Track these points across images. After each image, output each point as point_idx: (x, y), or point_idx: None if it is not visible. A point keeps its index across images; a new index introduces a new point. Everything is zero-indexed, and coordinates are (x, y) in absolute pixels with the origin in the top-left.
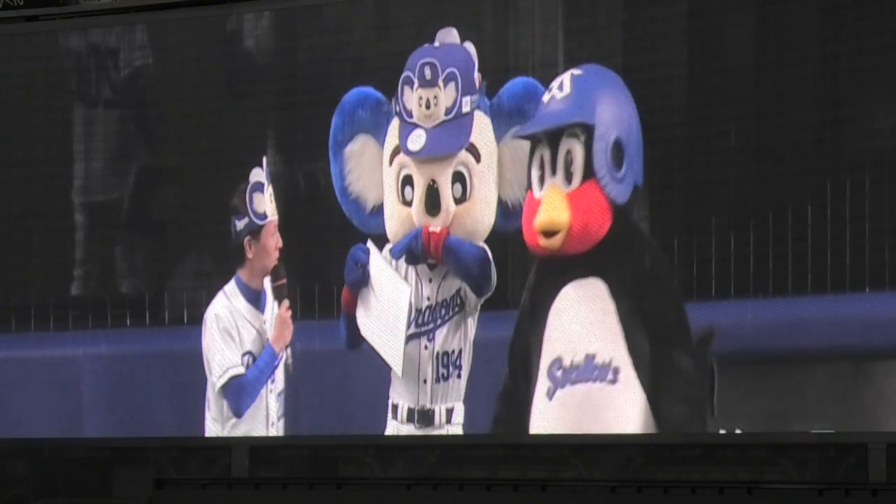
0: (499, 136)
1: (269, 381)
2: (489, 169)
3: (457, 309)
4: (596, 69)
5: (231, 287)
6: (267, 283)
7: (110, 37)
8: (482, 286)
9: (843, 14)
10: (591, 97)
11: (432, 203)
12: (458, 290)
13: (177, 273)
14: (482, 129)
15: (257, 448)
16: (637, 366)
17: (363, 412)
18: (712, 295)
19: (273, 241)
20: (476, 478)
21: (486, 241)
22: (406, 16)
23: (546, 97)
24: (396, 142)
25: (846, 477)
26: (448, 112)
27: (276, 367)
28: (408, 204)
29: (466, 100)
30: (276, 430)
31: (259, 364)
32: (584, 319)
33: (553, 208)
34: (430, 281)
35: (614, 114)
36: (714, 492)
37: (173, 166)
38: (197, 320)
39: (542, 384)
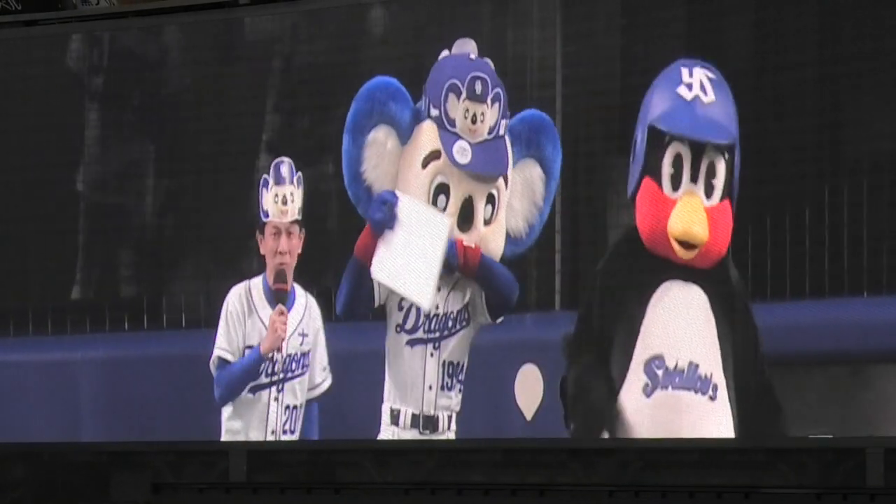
0: (514, 164)
1: (276, 390)
2: (510, 195)
3: (464, 324)
4: (719, 76)
5: (258, 278)
6: (296, 286)
7: (111, 40)
8: (502, 309)
9: (842, 18)
10: (730, 113)
11: (465, 218)
12: (467, 305)
13: (175, 276)
14: (509, 156)
15: (255, 453)
16: (729, 386)
17: (354, 417)
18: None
19: (274, 242)
20: (474, 482)
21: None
22: (410, 20)
23: (686, 93)
24: (435, 147)
25: (844, 481)
26: (490, 132)
27: (259, 371)
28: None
29: (504, 122)
30: (277, 439)
31: (243, 361)
32: (687, 322)
33: (695, 220)
34: (440, 289)
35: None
36: (712, 496)
37: (173, 169)
38: (195, 324)
39: (636, 379)
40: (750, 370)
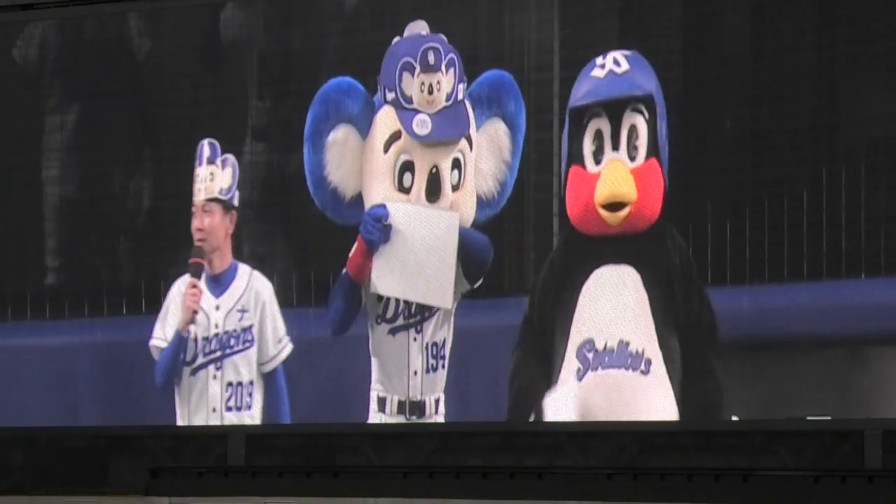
0: (477, 127)
1: (214, 368)
2: (476, 158)
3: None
4: (638, 54)
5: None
6: (240, 264)
7: (83, 27)
8: (478, 274)
9: (838, 2)
10: (649, 76)
11: (433, 189)
12: None
13: (173, 262)
14: (471, 118)
15: (253, 436)
16: (667, 360)
17: (345, 404)
18: (708, 282)
19: (196, 221)
20: (472, 466)
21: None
22: (375, 7)
23: (598, 72)
24: (394, 128)
25: (842, 464)
26: (448, 98)
27: (181, 347)
28: (406, 191)
29: (461, 87)
30: (220, 418)
31: (170, 343)
32: (617, 305)
33: (619, 182)
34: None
35: (663, 99)
36: (710, 479)
37: (156, 156)
38: None
39: (569, 364)
40: (693, 341)
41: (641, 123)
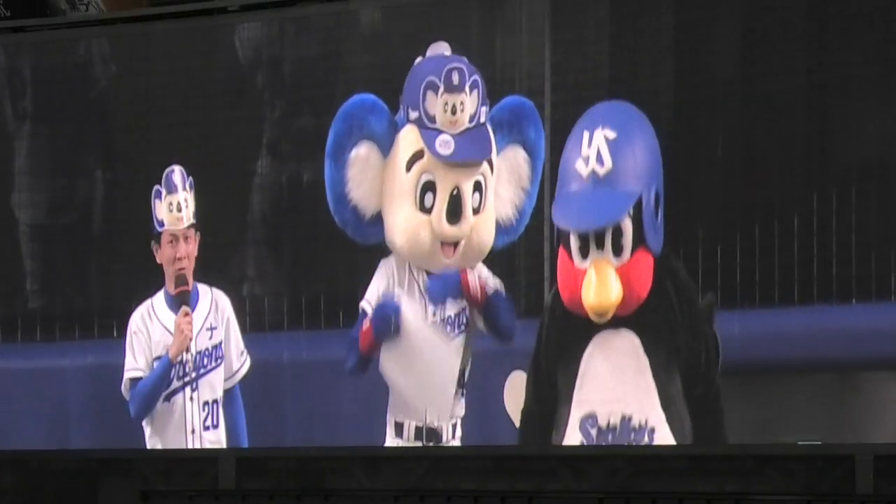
0: (498, 152)
1: (190, 390)
2: (496, 183)
3: (462, 328)
4: (624, 118)
5: (159, 292)
6: (198, 284)
7: (60, 51)
8: (499, 333)
9: (830, 25)
10: (634, 166)
11: (453, 210)
12: (464, 308)
13: (159, 284)
14: (492, 141)
15: (244, 460)
16: (671, 420)
17: (355, 427)
18: (699, 304)
19: (172, 249)
20: (464, 489)
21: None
22: (395, 27)
23: (581, 167)
24: (417, 147)
25: (833, 488)
26: (471, 119)
27: (171, 376)
28: (426, 211)
29: (484, 109)
30: (199, 439)
31: (154, 372)
32: (617, 373)
33: (604, 290)
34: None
35: (652, 167)
36: (701, 503)
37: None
38: None
39: (573, 434)
40: (695, 377)
41: (627, 223)
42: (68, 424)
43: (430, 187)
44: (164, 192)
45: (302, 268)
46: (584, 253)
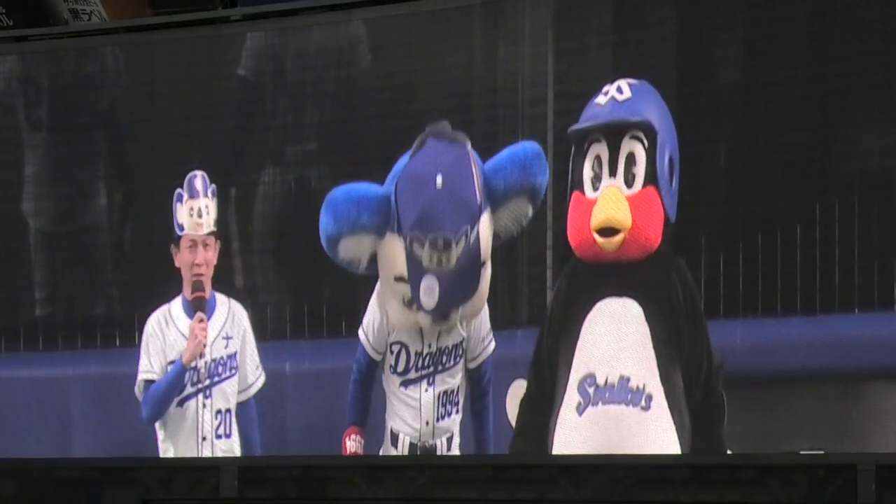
0: (495, 212)
1: (203, 396)
2: (496, 225)
3: (458, 358)
4: (646, 84)
5: (177, 297)
6: (216, 293)
7: (49, 60)
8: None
9: (832, 35)
10: (651, 104)
11: (442, 315)
12: (461, 342)
13: (165, 293)
14: (485, 233)
15: (246, 468)
16: (668, 396)
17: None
18: (702, 314)
19: (191, 255)
20: (465, 498)
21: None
22: (396, 36)
23: (601, 99)
24: (403, 273)
25: (835, 498)
26: (460, 260)
27: (184, 381)
28: (414, 311)
29: (474, 232)
30: (211, 447)
31: (168, 376)
32: (618, 338)
33: (613, 207)
34: (433, 331)
35: (669, 127)
36: None
37: (148, 188)
38: None
39: (571, 397)
40: (696, 380)
41: (640, 151)
42: (70, 433)
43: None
44: (185, 195)
45: (304, 277)
46: (596, 184)
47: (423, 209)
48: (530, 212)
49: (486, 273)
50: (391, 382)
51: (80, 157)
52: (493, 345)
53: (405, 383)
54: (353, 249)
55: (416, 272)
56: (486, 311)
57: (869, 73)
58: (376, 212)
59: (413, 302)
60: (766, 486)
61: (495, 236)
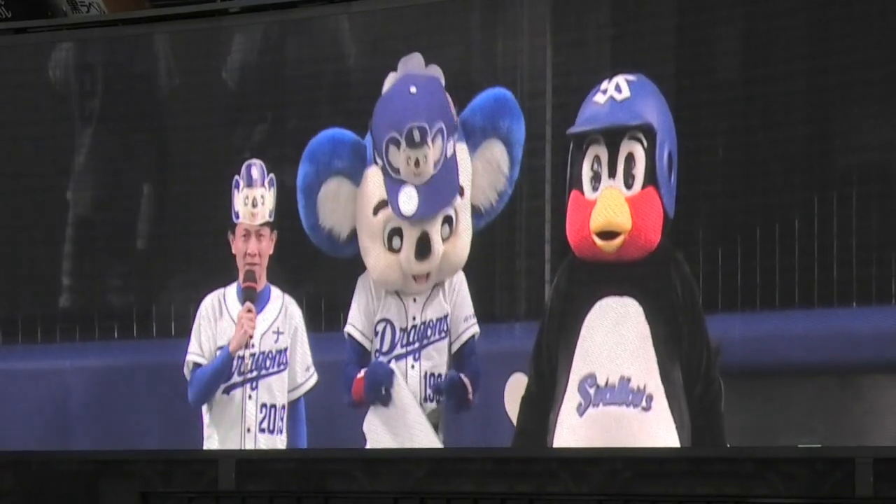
0: (472, 154)
1: (249, 388)
2: (472, 185)
3: (443, 334)
4: (643, 79)
5: (232, 283)
6: (272, 287)
7: (105, 49)
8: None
9: (832, 29)
10: (649, 103)
11: (422, 251)
12: (446, 316)
13: (166, 286)
14: (464, 164)
15: (244, 461)
16: (669, 395)
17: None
18: (700, 308)
19: (244, 244)
20: (463, 491)
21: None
22: (396, 29)
23: (600, 98)
24: (382, 196)
25: (833, 491)
26: (436, 165)
27: (231, 370)
28: (395, 251)
29: (451, 143)
30: (254, 439)
31: (215, 361)
32: (619, 338)
33: (613, 210)
34: (415, 301)
35: (668, 124)
36: None
37: (162, 178)
38: (185, 333)
39: (571, 397)
40: (695, 374)
41: (639, 152)
42: (69, 425)
43: (396, 232)
44: (242, 183)
45: (302, 269)
46: (595, 185)
47: (398, 110)
48: (505, 159)
49: (465, 216)
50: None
51: (122, 148)
52: (475, 328)
53: (390, 361)
54: (332, 198)
55: (394, 187)
56: (466, 289)
57: (867, 67)
58: (350, 154)
59: (393, 239)
60: (765, 480)
61: (476, 187)
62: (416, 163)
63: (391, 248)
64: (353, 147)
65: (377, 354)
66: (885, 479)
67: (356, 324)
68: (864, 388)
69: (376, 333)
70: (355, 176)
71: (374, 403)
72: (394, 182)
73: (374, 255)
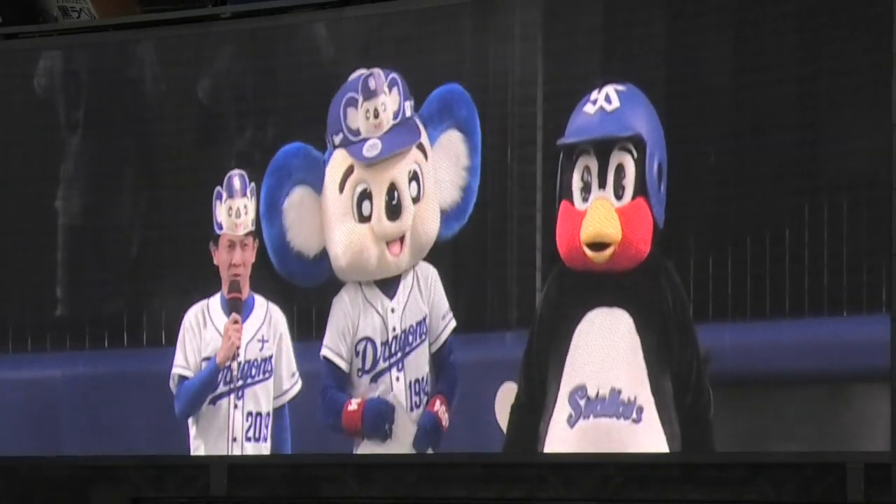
0: (432, 145)
1: (235, 397)
2: (433, 170)
3: (423, 337)
4: (633, 88)
5: (216, 294)
6: (255, 295)
7: (92, 55)
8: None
9: (821, 36)
10: (639, 113)
11: (393, 208)
12: (425, 318)
13: (155, 293)
14: (421, 129)
15: (236, 467)
16: (659, 406)
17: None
18: (690, 317)
19: (228, 255)
20: (455, 497)
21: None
22: (386, 34)
23: (590, 108)
24: (346, 165)
25: (824, 497)
26: (395, 116)
27: (217, 381)
28: (366, 219)
29: (408, 104)
30: (241, 449)
31: (201, 373)
32: (609, 350)
33: (604, 222)
34: (393, 311)
35: (657, 132)
36: None
37: (152, 185)
38: (175, 341)
39: (562, 409)
40: (685, 384)
41: (629, 163)
42: (59, 435)
43: (365, 196)
44: (224, 195)
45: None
46: (586, 195)
47: (349, 89)
48: (463, 149)
49: (431, 183)
50: (360, 386)
51: (111, 155)
52: (453, 322)
53: (374, 378)
54: (296, 208)
55: (357, 147)
56: (440, 285)
57: (857, 73)
58: (305, 157)
59: (362, 205)
60: (756, 485)
61: (438, 183)
62: (375, 113)
63: (362, 217)
64: (307, 152)
65: (360, 373)
66: (876, 484)
67: (332, 346)
68: (855, 397)
69: (357, 353)
70: (317, 184)
71: (372, 439)
72: (356, 144)
73: (346, 234)
